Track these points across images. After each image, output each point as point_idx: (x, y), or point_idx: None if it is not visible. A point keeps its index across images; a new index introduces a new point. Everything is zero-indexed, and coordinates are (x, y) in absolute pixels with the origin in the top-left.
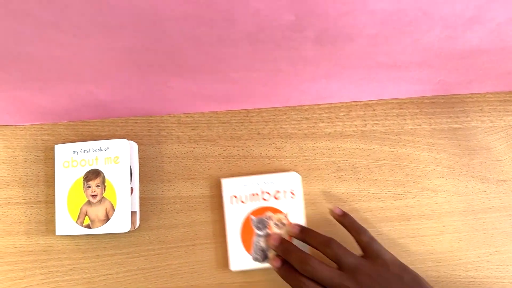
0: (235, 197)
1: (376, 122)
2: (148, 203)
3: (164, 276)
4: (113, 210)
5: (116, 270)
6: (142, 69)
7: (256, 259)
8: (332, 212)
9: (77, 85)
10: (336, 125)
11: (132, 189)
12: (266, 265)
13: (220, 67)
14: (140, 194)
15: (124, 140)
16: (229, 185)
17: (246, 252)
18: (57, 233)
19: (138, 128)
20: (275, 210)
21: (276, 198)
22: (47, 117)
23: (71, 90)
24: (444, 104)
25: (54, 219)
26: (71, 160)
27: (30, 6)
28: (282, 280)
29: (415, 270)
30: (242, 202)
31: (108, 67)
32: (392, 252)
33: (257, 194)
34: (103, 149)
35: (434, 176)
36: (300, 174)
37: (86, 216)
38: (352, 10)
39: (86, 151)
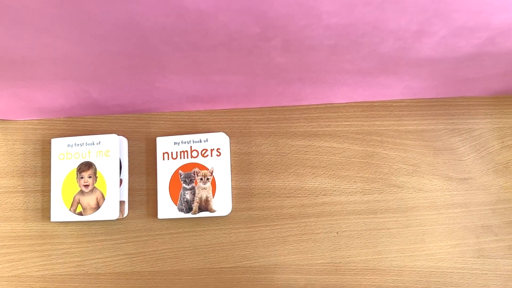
0: (167, 153)
1: (348, 123)
2: (136, 193)
3: (149, 261)
4: (104, 199)
5: (105, 255)
6: (130, 70)
7: (181, 210)
8: None
9: (72, 85)
10: (311, 125)
11: (121, 181)
12: (189, 215)
13: (201, 70)
14: (129, 185)
15: (115, 135)
16: (162, 143)
17: (172, 203)
18: (52, 219)
19: (128, 125)
20: (202, 167)
21: (203, 155)
22: (44, 113)
23: (67, 89)
24: (412, 107)
25: (50, 206)
26: (66, 153)
27: (28, 15)
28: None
29: (380, 260)
30: (173, 158)
31: (99, 69)
32: (360, 243)
33: (186, 151)
34: (95, 143)
35: (401, 173)
36: (272, 168)
37: (79, 204)
38: (309, 24)
39: (79, 145)
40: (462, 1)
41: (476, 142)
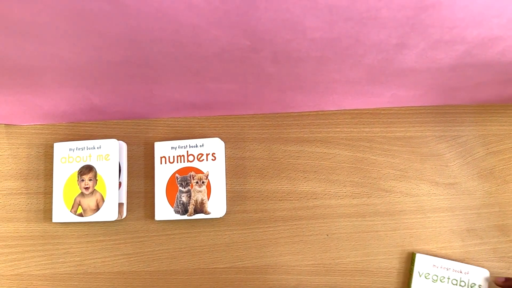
0: (164, 158)
1: (338, 129)
2: (135, 196)
3: (146, 261)
4: (103, 201)
5: (104, 254)
6: (130, 79)
7: (177, 212)
8: (496, 281)
9: (74, 91)
10: (303, 131)
11: (120, 183)
12: (185, 217)
13: (196, 79)
14: (127, 188)
15: (114, 140)
16: (160, 147)
17: (169, 205)
18: (54, 220)
19: (128, 130)
20: (198, 170)
21: (199, 160)
22: (48, 118)
23: (69, 96)
24: (400, 115)
25: (51, 208)
26: (68, 156)
27: (35, 28)
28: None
29: (368, 262)
30: (170, 162)
31: (101, 77)
32: (349, 245)
33: (183, 156)
34: (96, 148)
35: (389, 178)
36: (265, 172)
37: (79, 206)
38: (294, 38)
39: (81, 149)
40: (436, 17)
41: (461, 149)
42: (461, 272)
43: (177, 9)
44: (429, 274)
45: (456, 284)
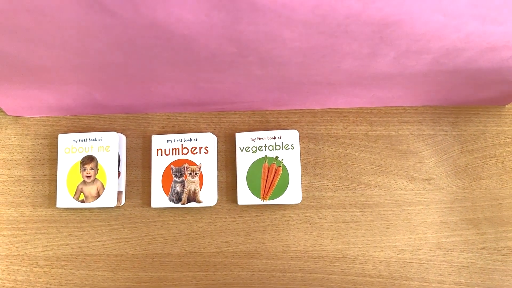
0: (161, 150)
1: (322, 127)
2: (133, 184)
3: (143, 245)
4: (103, 189)
5: (104, 238)
6: (128, 78)
7: (171, 200)
8: None
9: (78, 88)
10: (290, 127)
11: (119, 173)
12: (179, 205)
13: (190, 79)
14: (126, 177)
15: (115, 132)
16: (156, 140)
17: (164, 194)
18: (58, 206)
19: (127, 123)
20: (191, 162)
21: (193, 152)
22: (53, 111)
23: (73, 92)
24: (381, 114)
25: (56, 194)
26: (71, 147)
27: (44, 35)
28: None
29: (347, 250)
30: (166, 154)
31: (102, 76)
32: (329, 234)
33: (178, 149)
34: (97, 139)
35: (369, 173)
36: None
37: (81, 193)
38: (276, 47)
39: (83, 140)
40: (401, 32)
41: (438, 147)
42: (274, 137)
43: (169, 22)
44: (248, 147)
45: (273, 149)
